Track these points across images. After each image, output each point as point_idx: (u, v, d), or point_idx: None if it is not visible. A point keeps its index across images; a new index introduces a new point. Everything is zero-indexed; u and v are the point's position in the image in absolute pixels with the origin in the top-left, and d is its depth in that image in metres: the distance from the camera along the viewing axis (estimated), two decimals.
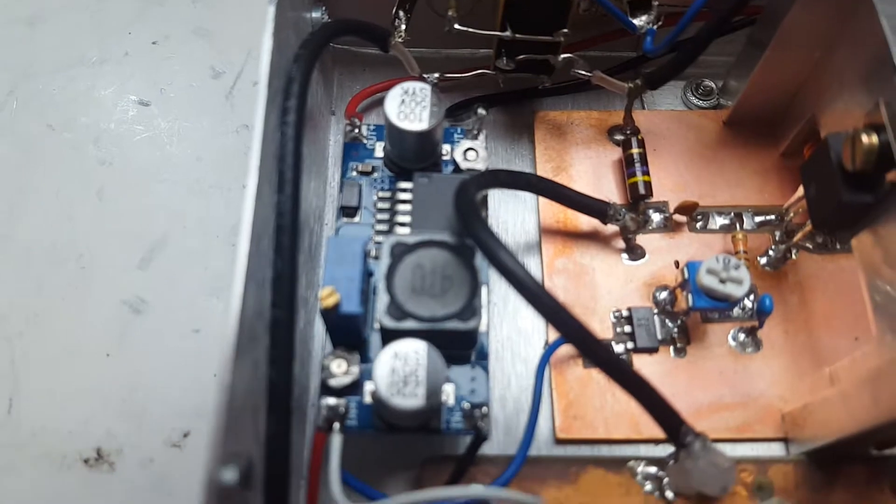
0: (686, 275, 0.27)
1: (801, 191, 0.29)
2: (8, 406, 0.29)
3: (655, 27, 0.29)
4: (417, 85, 0.27)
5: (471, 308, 0.24)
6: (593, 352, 0.22)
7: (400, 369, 0.23)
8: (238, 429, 0.20)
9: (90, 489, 0.28)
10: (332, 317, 0.24)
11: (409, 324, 0.24)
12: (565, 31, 0.29)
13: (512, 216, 0.32)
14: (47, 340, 0.30)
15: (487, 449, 0.27)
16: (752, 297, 0.29)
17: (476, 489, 0.23)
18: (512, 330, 0.30)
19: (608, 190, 0.31)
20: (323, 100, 0.32)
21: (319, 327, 0.30)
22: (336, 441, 0.24)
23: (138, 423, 0.29)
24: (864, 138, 0.24)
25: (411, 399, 0.22)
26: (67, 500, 0.28)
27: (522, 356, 0.29)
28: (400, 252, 0.25)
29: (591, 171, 0.32)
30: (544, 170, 0.32)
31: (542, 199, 0.31)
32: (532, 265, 0.31)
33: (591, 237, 0.31)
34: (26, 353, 0.30)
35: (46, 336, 0.30)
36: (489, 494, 0.23)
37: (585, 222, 0.31)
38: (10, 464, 0.29)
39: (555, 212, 0.31)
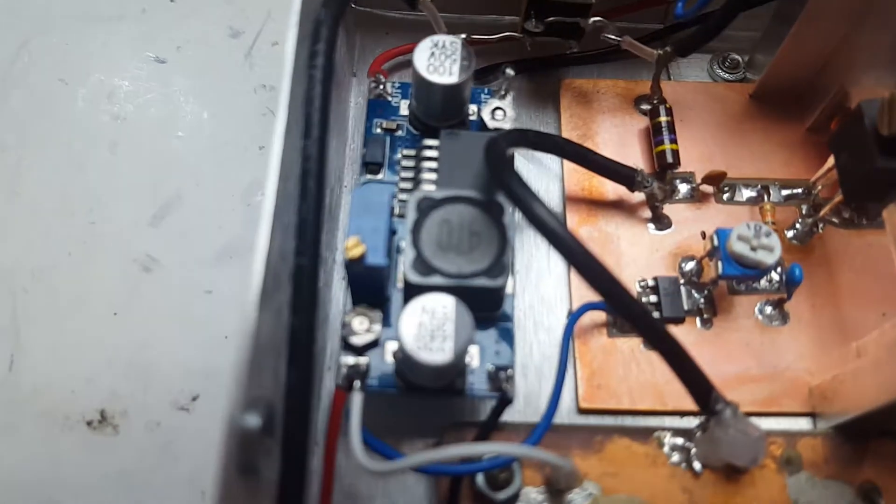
0: (716, 242, 0.26)
1: (829, 163, 0.28)
2: (9, 363, 0.28)
3: None
4: (448, 38, 0.26)
5: (499, 265, 0.23)
6: (626, 308, 0.21)
7: (427, 323, 0.22)
8: (260, 375, 0.19)
9: (92, 452, 0.27)
10: (357, 269, 0.23)
11: (436, 279, 0.23)
12: None
13: (537, 184, 0.31)
14: (52, 296, 0.29)
15: (508, 416, 0.26)
16: (779, 269, 0.29)
17: (505, 446, 0.22)
18: (534, 298, 0.29)
19: (634, 159, 0.31)
20: (345, 61, 0.31)
21: (337, 289, 0.29)
22: (357, 399, 0.23)
23: (145, 385, 0.28)
24: None
25: (439, 354, 0.22)
26: (68, 462, 0.27)
27: (545, 325, 0.28)
28: (427, 207, 0.24)
29: (617, 139, 0.31)
30: (569, 137, 0.31)
31: (566, 167, 0.31)
32: None
33: (617, 206, 0.30)
34: (30, 309, 0.29)
35: (51, 292, 0.29)
36: (519, 453, 0.22)
37: (611, 190, 0.30)
38: (10, 422, 0.27)
39: (580, 179, 0.30)
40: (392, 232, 0.25)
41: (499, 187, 0.23)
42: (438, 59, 0.26)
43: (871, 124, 0.25)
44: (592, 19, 0.29)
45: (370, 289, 0.24)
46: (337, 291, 0.29)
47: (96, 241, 0.30)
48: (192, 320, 0.29)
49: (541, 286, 0.29)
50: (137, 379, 0.28)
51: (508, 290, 0.25)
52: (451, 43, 0.26)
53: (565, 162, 0.31)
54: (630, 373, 0.27)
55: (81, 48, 0.34)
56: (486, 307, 0.25)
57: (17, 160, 0.32)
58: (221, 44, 0.34)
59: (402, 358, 0.23)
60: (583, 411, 0.27)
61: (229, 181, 0.31)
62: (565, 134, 0.31)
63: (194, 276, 0.30)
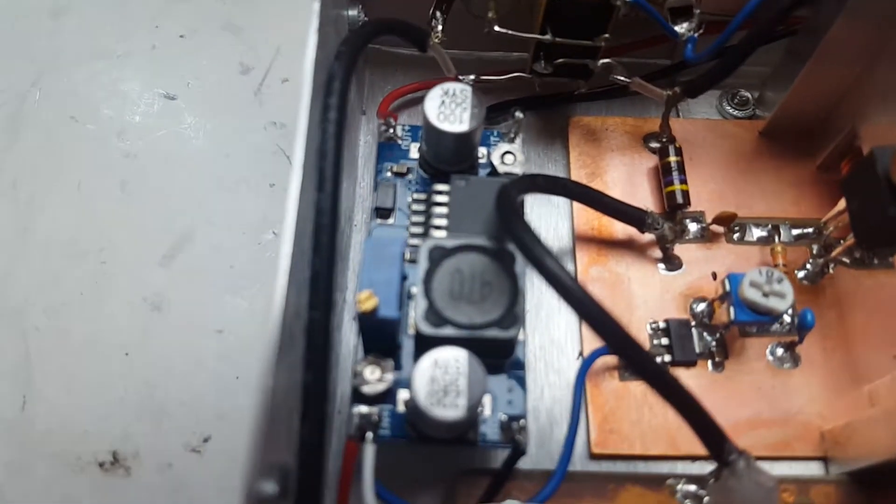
0: (727, 287, 0.26)
1: (841, 205, 0.28)
2: (22, 403, 0.29)
3: (697, 35, 0.29)
4: (458, 86, 0.26)
5: (511, 315, 0.23)
6: (637, 360, 0.21)
7: (440, 378, 0.22)
8: (275, 436, 0.19)
9: (104, 494, 0.27)
10: (370, 321, 0.23)
11: (448, 330, 0.23)
12: (606, 35, 0.28)
13: (545, 222, 0.31)
14: (64, 336, 0.29)
15: (521, 464, 0.26)
16: (791, 311, 0.28)
17: None
18: (545, 339, 0.29)
19: (643, 198, 0.31)
20: (355, 99, 0.31)
21: (347, 332, 0.29)
22: (369, 451, 0.23)
23: (157, 426, 0.28)
24: None
25: (452, 410, 0.22)
26: None
27: (556, 367, 0.28)
28: (438, 256, 0.24)
29: (626, 178, 0.31)
30: (578, 175, 0.31)
31: (576, 206, 0.31)
32: None
33: (627, 245, 0.30)
34: (42, 349, 0.29)
35: (63, 332, 0.30)
36: None
37: (620, 230, 0.30)
38: (22, 463, 0.28)
39: (589, 218, 0.30)
40: (404, 278, 0.25)
41: (510, 238, 0.23)
42: (449, 108, 0.26)
43: (883, 171, 0.25)
44: (601, 61, 0.29)
45: (382, 339, 0.24)
46: (347, 333, 0.29)
47: (108, 281, 0.30)
48: (203, 360, 0.29)
49: (551, 327, 0.29)
50: (149, 420, 0.28)
51: (520, 336, 0.25)
52: (462, 91, 0.26)
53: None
54: (643, 417, 0.27)
55: (92, 85, 0.34)
56: (498, 355, 0.25)
57: (29, 198, 0.32)
58: (231, 80, 0.35)
59: (415, 412, 0.23)
60: (595, 456, 0.27)
61: (240, 219, 0.31)
62: (574, 172, 0.31)
63: (206, 315, 0.30)
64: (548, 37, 0.28)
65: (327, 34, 0.25)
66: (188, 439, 0.28)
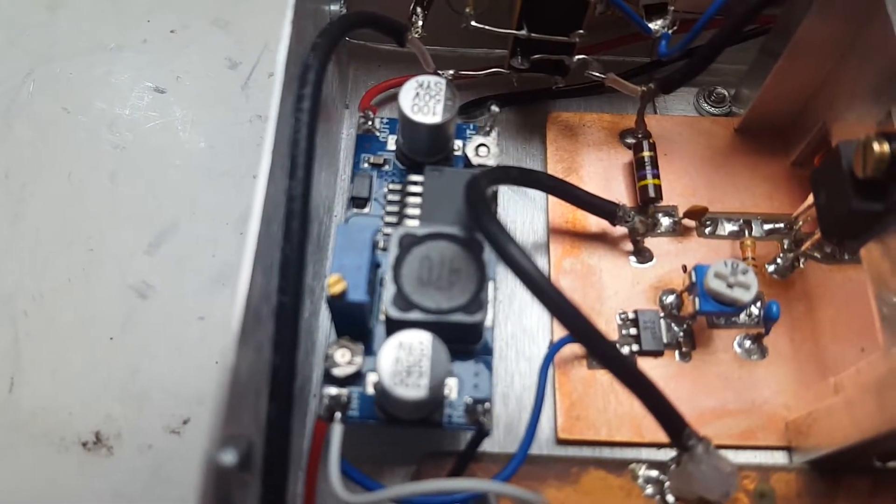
0: (693, 278, 0.27)
1: (810, 200, 0.29)
2: (9, 385, 0.29)
3: (671, 31, 0.30)
4: (432, 79, 0.27)
5: (477, 301, 0.24)
6: (598, 348, 0.22)
7: (404, 359, 0.23)
8: (239, 412, 0.20)
9: (87, 473, 0.28)
10: (339, 305, 0.24)
11: (415, 315, 0.24)
12: (581, 31, 0.29)
13: (521, 215, 0.32)
14: (51, 322, 0.30)
15: (488, 447, 0.27)
16: (758, 303, 0.29)
17: (477, 483, 0.23)
18: (517, 328, 0.29)
19: (618, 192, 0.31)
20: (338, 93, 0.32)
21: (325, 318, 0.30)
22: (337, 430, 0.24)
23: (139, 409, 0.29)
24: (876, 146, 0.24)
25: (414, 390, 0.22)
26: (64, 483, 0.28)
27: (526, 354, 0.29)
28: (408, 243, 0.25)
29: (602, 173, 0.32)
30: (555, 170, 0.32)
31: (551, 199, 0.31)
32: (540, 265, 0.30)
33: (600, 238, 0.31)
34: (30, 334, 0.30)
35: (51, 317, 0.30)
36: (491, 489, 0.22)
37: (594, 223, 0.31)
38: (8, 444, 0.28)
39: (564, 212, 0.31)
40: (376, 266, 0.26)
41: (476, 226, 0.24)
42: (423, 100, 0.26)
43: (847, 165, 0.25)
44: (577, 57, 0.30)
45: (353, 322, 0.25)
46: (324, 320, 0.29)
47: (95, 268, 0.31)
48: (185, 346, 0.30)
49: (523, 317, 0.30)
50: (132, 402, 0.29)
51: (488, 323, 0.26)
52: (436, 83, 0.27)
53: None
54: (609, 404, 0.27)
55: (84, 78, 0.35)
56: (466, 340, 0.25)
57: (21, 187, 0.33)
58: (219, 74, 0.35)
59: (381, 392, 0.23)
60: (561, 442, 0.27)
61: (224, 210, 0.32)
62: (551, 167, 0.32)
63: (188, 302, 0.31)
64: (524, 32, 0.29)
65: (304, 28, 0.25)
66: (168, 421, 0.29)
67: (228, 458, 0.18)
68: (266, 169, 0.21)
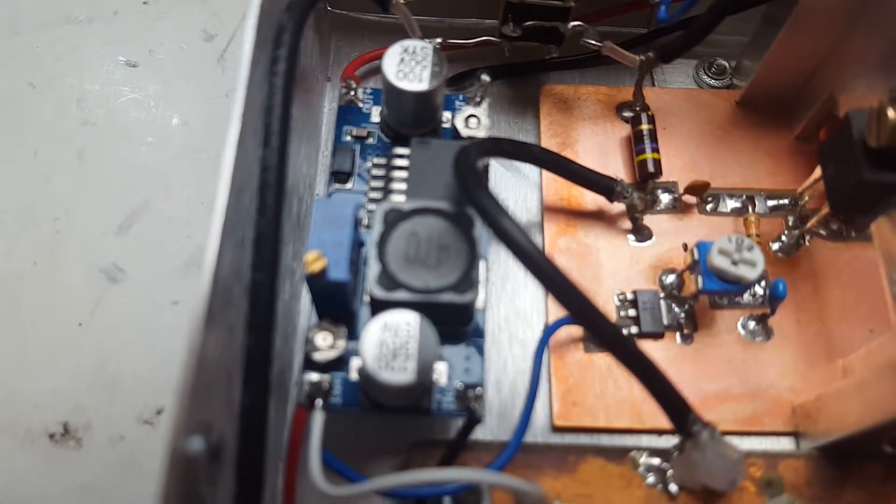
0: (696, 255, 0.25)
1: (816, 173, 0.27)
2: None
3: None
4: (418, 43, 0.25)
5: (467, 280, 0.23)
6: (597, 327, 0.21)
7: (390, 341, 0.21)
8: (207, 398, 0.18)
9: (55, 466, 0.26)
10: (318, 284, 0.22)
11: (401, 294, 0.22)
12: None
13: (514, 193, 0.30)
14: (16, 307, 0.29)
15: (480, 434, 0.26)
16: (763, 283, 0.28)
17: (469, 472, 0.21)
18: (510, 311, 0.28)
19: (615, 168, 0.30)
20: (318, 65, 0.30)
21: (306, 301, 0.28)
22: (317, 418, 0.22)
23: (109, 398, 0.27)
24: (891, 113, 0.22)
25: (400, 374, 0.21)
26: (29, 477, 0.26)
27: (520, 338, 0.27)
28: (394, 219, 0.23)
29: (598, 147, 0.30)
30: (549, 145, 0.30)
31: (545, 176, 0.30)
32: None
33: (596, 216, 0.29)
34: None
35: (16, 302, 0.29)
36: (483, 479, 0.21)
37: (590, 201, 0.29)
38: None
39: (558, 189, 0.29)
40: (360, 244, 0.25)
41: (467, 200, 0.22)
42: (409, 66, 0.25)
43: (858, 135, 0.24)
44: (572, 24, 0.28)
45: (334, 304, 0.23)
46: (305, 303, 0.28)
47: (62, 250, 0.30)
48: (157, 332, 0.28)
49: (517, 299, 0.28)
50: (102, 391, 0.28)
51: (479, 304, 0.24)
52: (423, 48, 0.25)
53: (544, 171, 0.30)
54: (606, 389, 0.26)
55: (52, 51, 0.34)
56: (456, 322, 0.24)
57: None
58: (194, 47, 0.34)
59: (365, 377, 0.22)
60: (557, 429, 0.26)
61: (198, 189, 0.30)
62: (545, 141, 0.30)
63: (161, 286, 0.29)
64: None
65: None
66: (141, 411, 0.27)
67: (194, 446, 0.17)
68: (235, 134, 0.20)
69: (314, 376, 0.23)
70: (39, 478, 0.26)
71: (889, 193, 0.24)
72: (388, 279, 0.22)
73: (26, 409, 0.27)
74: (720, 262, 0.25)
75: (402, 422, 0.25)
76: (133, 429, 0.27)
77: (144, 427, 0.27)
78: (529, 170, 0.30)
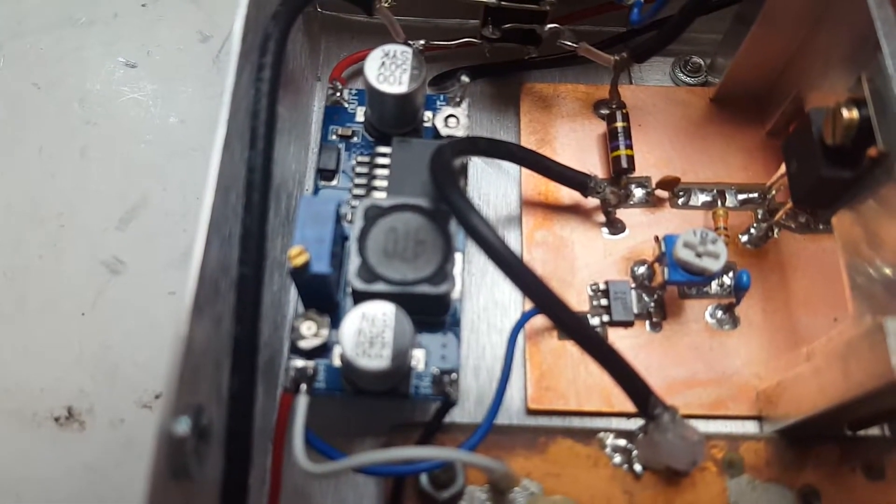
0: (663, 248, 0.27)
1: (783, 168, 0.28)
2: None
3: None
4: (399, 47, 0.27)
5: (442, 272, 0.24)
6: (560, 317, 0.22)
7: (367, 330, 0.23)
8: (196, 383, 0.20)
9: (60, 447, 0.28)
10: (302, 277, 0.23)
11: (380, 286, 0.24)
12: None
13: (494, 188, 0.31)
14: (22, 297, 0.30)
15: (459, 417, 0.27)
16: (730, 273, 0.29)
17: (438, 451, 0.23)
18: (489, 301, 0.29)
19: (592, 164, 0.31)
20: (308, 65, 0.32)
21: (294, 293, 0.29)
22: (301, 402, 0.24)
23: (110, 383, 0.29)
24: (845, 113, 0.23)
25: (376, 360, 0.22)
26: (36, 457, 0.28)
27: (498, 327, 0.29)
28: (374, 215, 0.25)
29: (576, 144, 0.32)
30: (528, 142, 0.32)
31: (524, 171, 0.31)
32: (512, 237, 0.30)
33: (572, 210, 0.30)
34: (1, 310, 0.30)
35: (22, 293, 0.30)
36: (451, 456, 0.22)
37: (567, 195, 0.30)
38: None
39: (537, 184, 0.31)
40: (343, 238, 0.26)
41: (439, 197, 0.24)
42: (389, 69, 0.26)
43: (818, 133, 0.25)
44: (549, 26, 0.30)
45: (318, 295, 0.25)
46: (293, 295, 0.29)
47: (66, 244, 0.31)
48: (156, 321, 0.30)
49: (495, 290, 0.29)
50: (104, 377, 0.29)
51: (455, 294, 0.26)
52: (402, 52, 0.26)
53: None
54: (578, 375, 0.27)
55: (55, 53, 0.35)
56: (433, 312, 0.25)
57: None
58: (191, 48, 0.35)
59: (345, 363, 0.23)
60: (531, 412, 0.27)
61: (195, 185, 0.32)
62: (524, 138, 0.32)
63: (159, 277, 0.31)
64: (494, 0, 0.29)
65: None
66: (140, 396, 0.29)
67: (182, 427, 0.18)
68: (221, 136, 0.21)
69: (299, 363, 0.25)
70: (46, 459, 0.28)
71: (846, 188, 0.25)
72: (368, 272, 0.24)
73: (33, 395, 0.29)
74: (685, 254, 0.26)
75: (382, 405, 0.27)
76: (133, 412, 0.29)
77: (143, 411, 0.29)
78: (509, 166, 0.32)
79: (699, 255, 0.26)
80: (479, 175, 0.32)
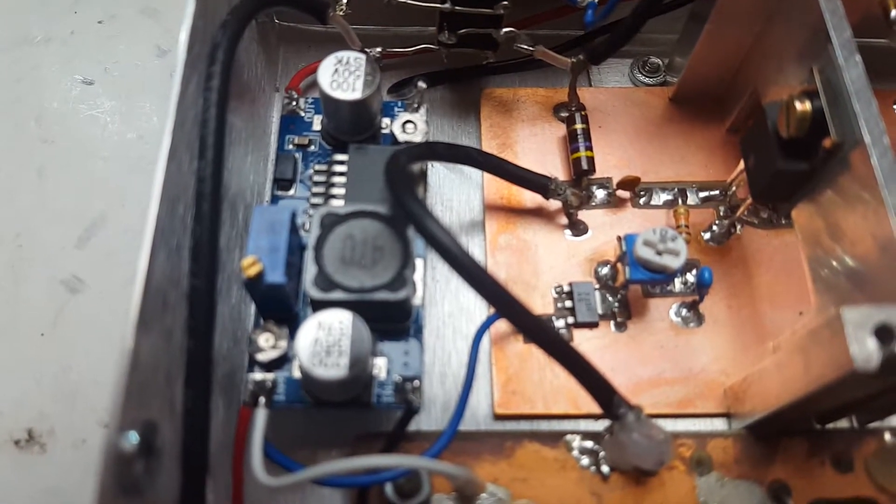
0: (624, 247, 0.27)
1: (742, 164, 0.29)
2: None
3: (597, 1, 0.29)
4: (352, 54, 0.26)
5: (401, 278, 0.24)
6: (518, 319, 0.22)
7: (323, 339, 0.22)
8: (144, 398, 0.19)
9: (21, 470, 0.28)
10: (256, 287, 0.23)
11: (338, 294, 0.23)
12: (506, 3, 0.29)
13: (457, 193, 0.31)
14: None
15: (425, 425, 0.27)
16: (693, 271, 0.29)
17: (399, 459, 0.23)
18: (454, 307, 0.29)
19: (553, 167, 0.31)
20: (265, 76, 0.31)
21: (253, 306, 0.29)
22: (260, 415, 0.23)
23: (71, 404, 0.29)
24: (798, 105, 0.24)
25: (333, 369, 0.22)
26: None
27: (463, 333, 0.29)
28: (330, 223, 0.25)
29: (537, 147, 0.32)
30: (489, 147, 0.32)
31: (487, 176, 0.31)
32: (476, 242, 0.30)
33: (535, 213, 0.30)
34: None
35: None
36: (413, 464, 0.22)
37: (529, 199, 0.30)
38: None
39: (499, 188, 0.31)
40: (301, 248, 0.26)
41: (395, 202, 0.24)
42: (342, 76, 0.26)
43: (773, 127, 0.25)
44: (504, 30, 0.30)
45: (275, 306, 0.24)
46: (254, 308, 0.29)
47: (24, 264, 0.31)
48: (116, 339, 0.29)
49: (459, 296, 0.29)
50: (64, 398, 0.29)
51: (417, 301, 0.26)
52: (356, 59, 0.26)
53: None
54: (545, 378, 0.27)
55: (11, 72, 0.35)
56: (394, 319, 0.25)
57: None
58: (148, 63, 0.35)
59: (303, 374, 0.23)
60: (499, 417, 0.27)
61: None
62: (485, 143, 0.32)
63: (119, 296, 0.30)
64: (447, 5, 0.29)
65: (217, 8, 0.25)
66: (101, 416, 0.28)
67: (129, 442, 0.18)
68: (166, 147, 0.21)
69: (258, 376, 0.24)
70: (6, 482, 0.27)
71: (803, 180, 0.25)
72: (325, 280, 0.24)
73: None
74: (645, 252, 0.26)
75: (346, 416, 0.26)
76: (95, 432, 0.28)
77: (105, 430, 0.28)
78: (472, 171, 0.31)
79: (659, 253, 0.26)
80: (441, 181, 0.31)
